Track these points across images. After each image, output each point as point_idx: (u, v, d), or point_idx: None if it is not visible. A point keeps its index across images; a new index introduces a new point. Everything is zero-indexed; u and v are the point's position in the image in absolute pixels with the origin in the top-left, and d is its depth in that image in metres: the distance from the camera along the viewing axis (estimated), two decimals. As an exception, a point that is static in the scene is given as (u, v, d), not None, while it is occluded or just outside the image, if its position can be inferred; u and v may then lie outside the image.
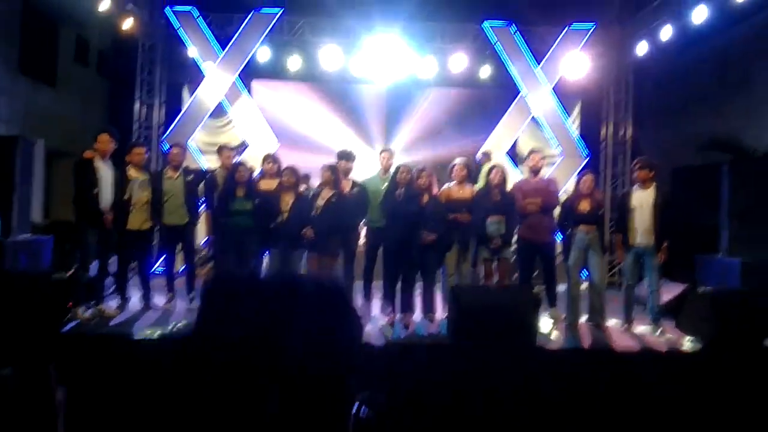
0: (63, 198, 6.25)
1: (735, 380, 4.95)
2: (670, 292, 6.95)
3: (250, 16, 9.87)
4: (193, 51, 9.84)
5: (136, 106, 10.33)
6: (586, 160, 9.94)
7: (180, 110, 10.14)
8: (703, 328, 5.58)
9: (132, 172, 6.21)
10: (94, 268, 6.10)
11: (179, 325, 5.74)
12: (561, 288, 6.67)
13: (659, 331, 6.09)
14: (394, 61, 9.89)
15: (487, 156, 8.90)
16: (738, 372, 5.08)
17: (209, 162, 9.35)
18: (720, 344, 5.43)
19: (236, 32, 9.91)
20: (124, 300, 6.37)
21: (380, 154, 6.81)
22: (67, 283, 5.87)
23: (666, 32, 8.84)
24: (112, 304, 6.34)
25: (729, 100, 9.75)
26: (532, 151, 6.92)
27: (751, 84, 9.36)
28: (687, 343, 5.70)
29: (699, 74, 10.35)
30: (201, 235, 7.03)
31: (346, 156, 6.54)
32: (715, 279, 7.11)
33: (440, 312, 6.30)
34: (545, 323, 6.27)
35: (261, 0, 10.23)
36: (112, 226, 5.94)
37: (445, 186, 6.58)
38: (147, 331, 5.57)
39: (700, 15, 8.10)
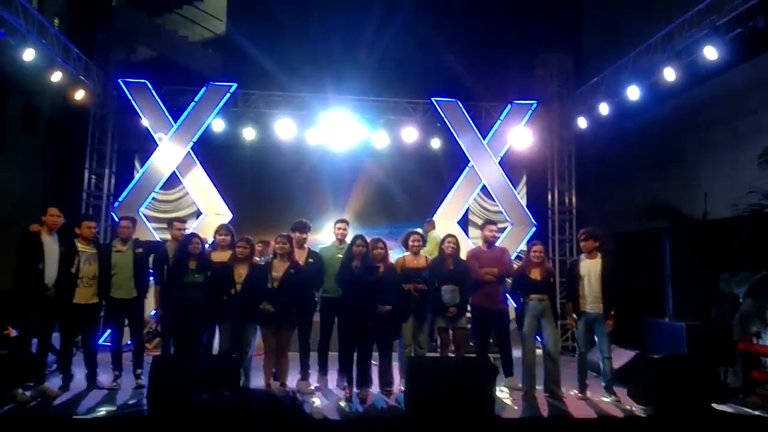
0: (2, 267, 5.98)
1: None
2: (621, 358, 7.09)
3: (204, 89, 9.99)
4: (145, 122, 9.84)
5: (86, 175, 10.18)
6: (534, 228, 10.25)
7: (130, 179, 10.04)
8: (654, 393, 5.70)
9: (80, 245, 6.04)
10: (33, 345, 5.80)
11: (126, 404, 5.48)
12: (516, 355, 6.72)
13: (613, 398, 6.17)
14: (348, 133, 10.15)
15: (431, 224, 9.16)
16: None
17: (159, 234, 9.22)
18: (671, 410, 5.54)
19: (189, 104, 10.00)
20: (68, 378, 6.04)
21: (335, 225, 6.85)
22: (4, 360, 5.57)
23: (603, 108, 9.45)
24: (54, 383, 6.00)
25: (665, 170, 10.34)
26: (487, 222, 7.06)
27: (684, 155, 9.97)
28: (639, 409, 5.79)
29: (636, 146, 10.97)
30: (149, 308, 6.82)
31: (301, 227, 6.56)
32: (663, 343, 7.31)
33: (397, 383, 6.23)
34: (502, 392, 6.27)
35: (215, 74, 10.44)
36: (55, 300, 5.71)
37: (400, 256, 6.66)
38: (93, 411, 5.26)
39: (633, 93, 8.72)
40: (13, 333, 5.87)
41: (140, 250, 6.41)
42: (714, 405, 5.76)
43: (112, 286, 6.19)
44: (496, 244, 7.41)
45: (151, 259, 6.52)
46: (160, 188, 10.02)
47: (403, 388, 5.89)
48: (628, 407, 5.92)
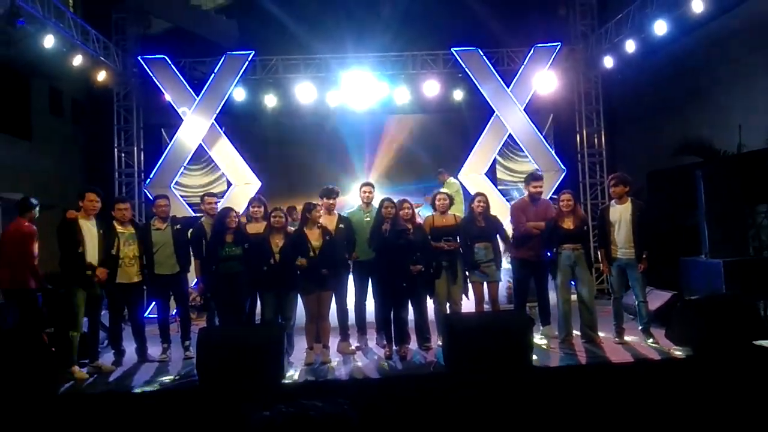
0: (42, 251, 6.22)
1: (729, 381, 5.07)
2: (657, 300, 7.09)
3: (222, 59, 9.98)
4: (168, 97, 9.91)
5: (116, 154, 10.38)
6: (564, 173, 10.13)
7: (159, 154, 10.17)
8: (693, 335, 5.72)
9: (118, 228, 6.23)
10: (84, 325, 6.08)
11: (178, 375, 5.74)
12: (552, 304, 6.77)
13: (650, 340, 6.21)
14: (368, 92, 10.07)
15: (443, 175, 9.38)
16: (731, 374, 5.22)
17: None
18: (710, 349, 5.56)
19: (209, 75, 10.01)
20: (120, 353, 6.34)
21: (361, 188, 6.89)
22: (58, 341, 5.86)
23: (630, 46, 9.14)
24: (107, 358, 6.31)
25: (695, 106, 10.04)
26: (533, 178, 6.89)
27: (716, 88, 9.65)
28: (678, 352, 5.82)
29: (666, 82, 10.65)
30: (191, 282, 7.03)
31: (328, 193, 6.62)
32: (700, 282, 7.24)
33: (435, 339, 6.37)
34: (540, 342, 6.36)
35: (231, 42, 10.38)
36: (102, 281, 5.95)
37: (428, 215, 6.73)
38: (147, 384, 5.54)
39: (660, 27, 8.39)
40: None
41: (178, 226, 6.58)
42: (755, 342, 5.75)
43: (155, 263, 6.38)
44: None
45: (189, 234, 6.68)
46: (189, 162, 10.16)
47: (440, 344, 6.03)
48: (666, 349, 5.95)
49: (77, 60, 8.58)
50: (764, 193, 7.80)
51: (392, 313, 6.17)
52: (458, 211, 7.82)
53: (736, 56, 9.13)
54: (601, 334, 6.46)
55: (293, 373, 5.67)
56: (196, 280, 6.72)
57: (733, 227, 7.29)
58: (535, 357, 5.63)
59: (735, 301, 6.12)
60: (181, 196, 10.02)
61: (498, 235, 6.53)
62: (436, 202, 6.58)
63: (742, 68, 9.04)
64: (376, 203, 6.58)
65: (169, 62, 9.94)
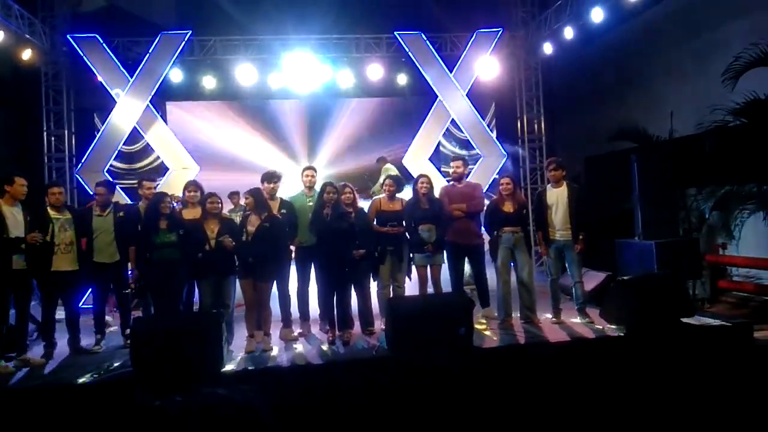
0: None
1: (661, 357, 5.30)
2: (593, 280, 7.32)
3: (158, 39, 9.61)
4: (100, 78, 9.49)
5: (45, 137, 9.88)
6: (505, 159, 10.29)
7: (92, 138, 9.75)
8: (624, 314, 5.92)
9: (52, 213, 5.94)
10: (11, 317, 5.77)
11: (113, 366, 5.53)
12: (492, 286, 6.88)
13: (586, 320, 6.39)
14: (311, 75, 9.91)
15: (382, 161, 9.53)
16: (661, 348, 5.45)
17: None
18: (642, 326, 5.78)
19: (144, 56, 9.63)
20: (51, 346, 6.05)
21: (303, 172, 6.80)
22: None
23: (568, 32, 9.32)
24: (36, 351, 6.02)
25: (631, 92, 10.37)
26: (453, 158, 7.11)
27: (650, 76, 9.97)
28: (612, 330, 6.02)
29: (602, 69, 10.94)
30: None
31: (269, 177, 6.49)
32: (634, 263, 7.50)
33: (379, 323, 6.37)
34: (480, 324, 6.46)
35: (170, 22, 10.00)
36: (30, 270, 5.65)
37: (376, 198, 6.72)
38: (80, 376, 5.30)
39: (597, 15, 8.59)
40: None
41: (121, 213, 6.36)
42: (682, 319, 6.01)
43: (94, 249, 6.15)
44: (468, 179, 7.42)
45: None
46: (123, 144, 9.77)
47: (383, 328, 6.03)
48: (601, 327, 6.15)
49: (-1, 37, 8.08)
50: (694, 177, 8.14)
51: (335, 298, 6.13)
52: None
53: (668, 45, 9.46)
54: (539, 315, 6.61)
55: (233, 362, 5.56)
56: (130, 270, 6.49)
57: (665, 210, 7.57)
58: (476, 338, 5.72)
59: (664, 279, 6.38)
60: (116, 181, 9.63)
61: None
62: (384, 187, 6.57)
63: (674, 56, 9.37)
64: (318, 188, 6.50)
65: (101, 41, 9.52)
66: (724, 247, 8.13)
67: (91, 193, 8.58)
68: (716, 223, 8.29)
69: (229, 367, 5.36)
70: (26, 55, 8.89)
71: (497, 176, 9.25)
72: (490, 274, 6.84)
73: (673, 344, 5.56)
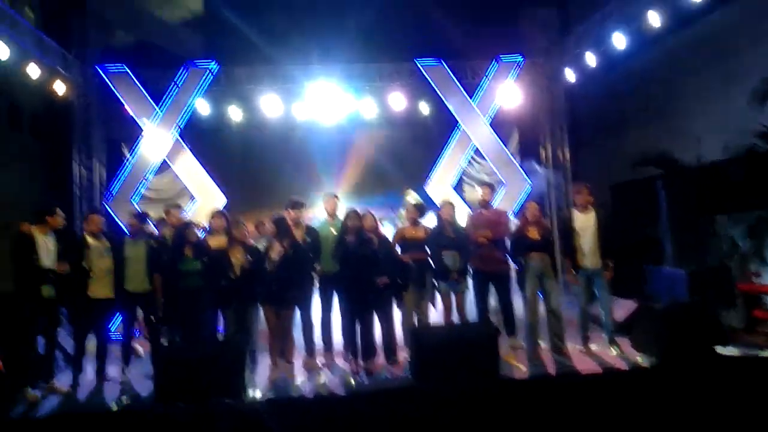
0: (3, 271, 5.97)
1: (693, 387, 5.12)
2: (622, 309, 7.14)
3: (185, 70, 9.82)
4: (129, 109, 9.70)
5: (75, 167, 10.07)
6: (529, 186, 10.21)
7: (120, 168, 9.93)
8: (657, 343, 5.76)
9: (90, 240, 6.04)
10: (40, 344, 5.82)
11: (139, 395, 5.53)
12: (520, 314, 6.76)
13: (616, 350, 6.23)
14: (335, 104, 10.02)
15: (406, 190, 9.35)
16: (695, 380, 5.27)
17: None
18: (674, 356, 5.61)
19: (171, 87, 9.83)
20: (79, 373, 6.07)
21: (325, 199, 6.84)
22: (12, 361, 5.59)
23: (590, 59, 9.29)
24: (63, 380, 6.04)
25: (657, 117, 10.25)
26: (480, 184, 7.08)
27: (675, 101, 9.86)
28: (643, 359, 5.86)
29: (627, 96, 10.85)
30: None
31: (294, 205, 6.52)
32: (664, 290, 7.34)
33: (403, 353, 6.28)
34: (506, 353, 6.33)
35: (196, 54, 10.23)
36: (62, 297, 5.73)
37: (399, 226, 6.70)
38: (107, 405, 5.30)
39: (619, 40, 8.56)
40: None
41: (154, 242, 6.42)
42: (717, 349, 5.82)
43: (125, 278, 6.19)
44: (495, 206, 7.39)
45: None
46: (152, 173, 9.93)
47: (408, 357, 5.95)
48: (632, 358, 5.99)
49: (33, 70, 8.32)
50: (722, 203, 7.97)
51: (358, 326, 6.08)
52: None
53: (693, 70, 9.36)
54: (567, 343, 6.47)
55: (256, 390, 5.51)
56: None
57: (694, 237, 7.42)
58: (503, 368, 5.60)
59: (696, 307, 6.21)
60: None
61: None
62: (406, 213, 6.58)
63: (699, 81, 9.26)
64: (341, 215, 6.51)
65: (130, 73, 9.76)
66: (757, 275, 7.91)
67: (120, 223, 8.76)
68: (748, 251, 8.08)
69: (251, 395, 5.32)
70: (59, 87, 9.12)
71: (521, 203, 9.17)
72: (516, 302, 6.74)
73: (707, 375, 5.38)
